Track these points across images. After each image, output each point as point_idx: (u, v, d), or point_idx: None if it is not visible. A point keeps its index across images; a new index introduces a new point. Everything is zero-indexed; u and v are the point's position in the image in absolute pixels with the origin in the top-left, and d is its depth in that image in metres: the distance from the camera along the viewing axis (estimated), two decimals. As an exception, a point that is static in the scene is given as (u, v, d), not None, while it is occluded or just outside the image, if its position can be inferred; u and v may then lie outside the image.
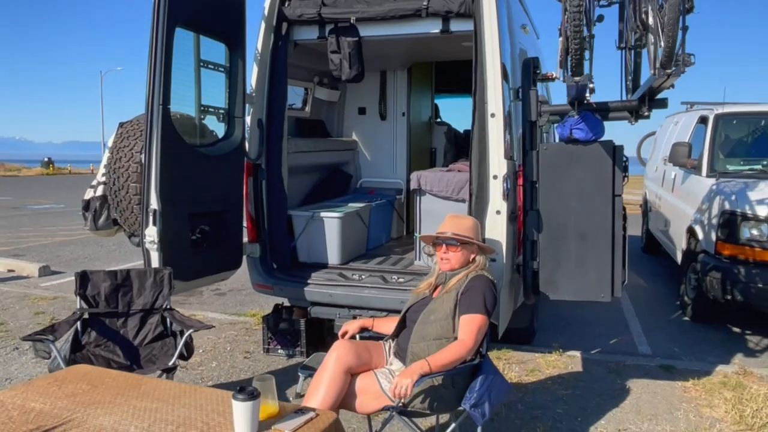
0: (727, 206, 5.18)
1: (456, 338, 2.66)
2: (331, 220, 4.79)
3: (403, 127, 6.61)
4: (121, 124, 4.11)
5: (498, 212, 3.51)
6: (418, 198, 4.90)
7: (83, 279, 3.45)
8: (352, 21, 4.45)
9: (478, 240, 2.93)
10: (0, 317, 5.97)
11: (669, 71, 2.36)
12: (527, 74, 3.68)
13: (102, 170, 4.17)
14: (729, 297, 4.98)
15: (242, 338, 5.25)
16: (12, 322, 5.80)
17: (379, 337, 3.13)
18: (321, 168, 6.02)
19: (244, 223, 4.60)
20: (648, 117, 3.50)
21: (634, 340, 5.33)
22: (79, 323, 3.41)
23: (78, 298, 3.45)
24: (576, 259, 3.52)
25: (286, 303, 4.86)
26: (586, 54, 2.89)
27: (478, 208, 4.04)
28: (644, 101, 3.27)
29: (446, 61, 6.78)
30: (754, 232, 4.98)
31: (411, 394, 2.42)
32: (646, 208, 9.37)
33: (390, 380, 2.70)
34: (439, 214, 4.78)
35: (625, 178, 3.52)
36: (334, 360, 2.68)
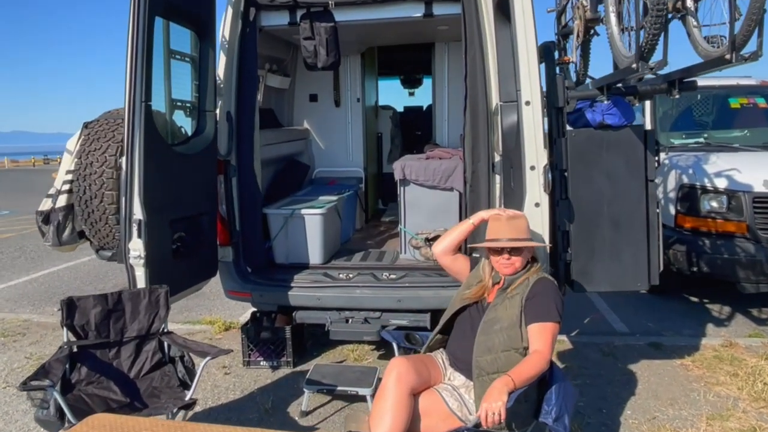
0: (685, 180, 5.34)
1: (525, 348, 2.54)
2: (312, 218, 4.52)
3: (358, 113, 6.39)
4: (86, 125, 3.58)
5: (537, 204, 3.44)
6: (402, 188, 4.75)
7: (70, 307, 2.98)
8: (330, 5, 4.19)
9: (531, 237, 2.81)
10: None
11: (746, 56, 2.34)
12: (551, 58, 3.61)
13: (63, 177, 3.61)
14: (695, 269, 5.12)
15: (211, 351, 4.86)
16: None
17: (414, 349, 3.01)
18: (278, 160, 5.67)
19: None
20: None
21: (606, 318, 5.40)
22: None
23: (65, 329, 2.98)
24: (610, 248, 3.44)
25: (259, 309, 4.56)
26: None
27: (472, 196, 3.98)
28: (674, 84, 3.23)
29: (388, 45, 6.64)
30: (714, 204, 5.16)
31: (504, 417, 2.26)
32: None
33: (456, 397, 2.57)
34: (424, 204, 4.71)
35: (657, 163, 3.49)
36: (395, 381, 2.49)
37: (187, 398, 2.83)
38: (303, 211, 4.54)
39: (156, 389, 3.06)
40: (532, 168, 3.33)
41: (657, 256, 3.51)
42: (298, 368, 4.38)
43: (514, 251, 2.70)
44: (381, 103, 7.99)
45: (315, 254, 4.59)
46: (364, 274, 4.33)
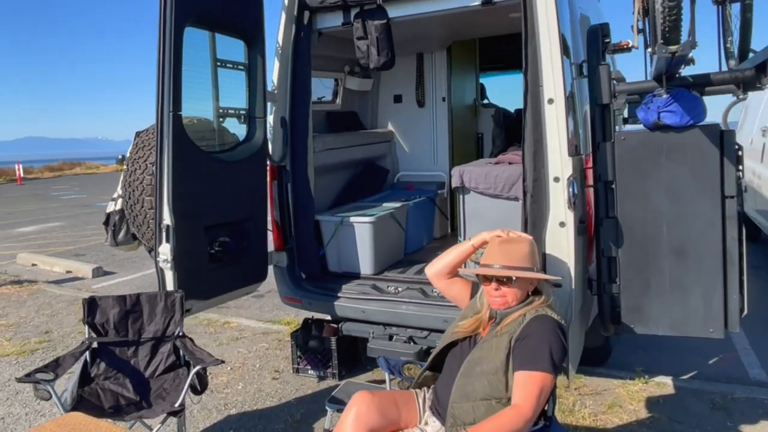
0: None
1: (509, 399, 2.12)
2: (362, 226, 4.37)
3: (444, 113, 6.07)
4: (138, 134, 3.84)
5: (562, 224, 2.91)
6: (461, 197, 4.38)
7: (91, 306, 3.20)
8: (379, 1, 3.98)
9: (537, 266, 2.37)
10: (47, 325, 5.93)
11: None
12: (595, 45, 3.02)
13: (120, 182, 3.93)
14: None
15: (273, 353, 4.94)
16: (56, 331, 5.74)
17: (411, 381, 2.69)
18: (354, 164, 5.59)
19: (270, 231, 4.26)
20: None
21: (741, 360, 4.36)
22: (88, 353, 3.17)
23: (86, 326, 3.21)
24: (671, 281, 2.80)
25: (317, 315, 4.51)
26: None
27: (534, 208, 3.45)
28: (764, 69, 2.49)
29: (490, 36, 6.15)
30: None
31: None
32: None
33: (422, 445, 2.26)
34: (486, 215, 4.29)
35: (740, 174, 2.74)
36: (353, 420, 2.25)
37: (176, 404, 2.85)
38: (353, 219, 4.40)
39: (165, 391, 3.14)
40: (556, 179, 2.80)
41: (738, 295, 2.72)
42: (344, 381, 4.26)
43: (505, 281, 2.28)
44: (493, 101, 7.52)
45: (366, 264, 4.43)
46: (413, 289, 4.06)
